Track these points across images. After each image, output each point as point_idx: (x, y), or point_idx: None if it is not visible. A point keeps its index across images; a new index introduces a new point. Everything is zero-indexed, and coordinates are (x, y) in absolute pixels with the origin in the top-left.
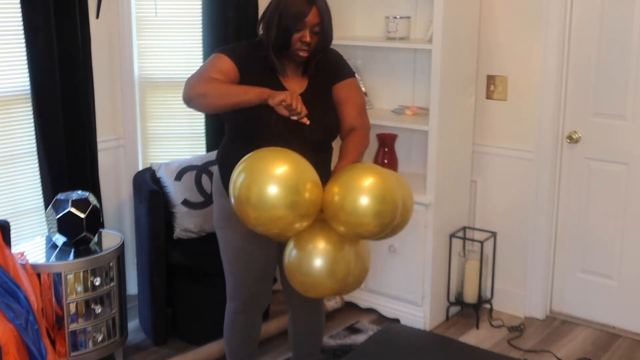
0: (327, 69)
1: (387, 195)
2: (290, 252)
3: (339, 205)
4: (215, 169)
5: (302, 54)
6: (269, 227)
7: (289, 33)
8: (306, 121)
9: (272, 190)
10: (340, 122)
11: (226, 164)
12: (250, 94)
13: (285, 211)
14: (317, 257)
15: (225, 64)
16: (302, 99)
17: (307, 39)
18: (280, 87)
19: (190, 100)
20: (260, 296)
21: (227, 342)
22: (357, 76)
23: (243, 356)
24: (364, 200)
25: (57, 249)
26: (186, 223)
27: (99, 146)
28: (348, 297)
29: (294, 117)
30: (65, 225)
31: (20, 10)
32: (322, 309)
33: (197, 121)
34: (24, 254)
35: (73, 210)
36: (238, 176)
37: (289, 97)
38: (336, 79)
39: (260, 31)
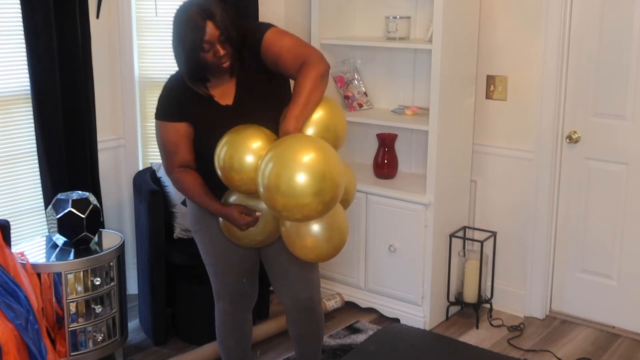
0: (244, 49)
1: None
2: None
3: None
4: None
5: (225, 65)
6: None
7: (197, 55)
8: (258, 214)
9: (301, 178)
10: (291, 74)
11: None
12: (211, 211)
13: (311, 198)
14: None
15: (173, 131)
16: (237, 104)
17: (221, 52)
18: (216, 105)
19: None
20: (246, 293)
21: (221, 343)
22: (274, 26)
23: (239, 355)
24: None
25: (57, 249)
26: (186, 223)
27: (99, 146)
28: (348, 297)
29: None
30: (66, 225)
31: (20, 10)
32: (317, 309)
33: None
34: (24, 254)
35: (73, 210)
36: (267, 165)
37: (241, 226)
38: (257, 50)
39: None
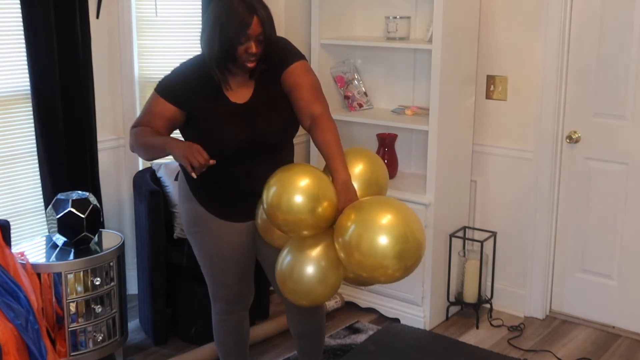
0: (272, 64)
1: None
2: (284, 259)
3: (355, 243)
4: (180, 174)
5: (250, 64)
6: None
7: (233, 47)
8: (212, 162)
9: (297, 199)
10: (297, 113)
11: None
12: (157, 149)
13: (307, 215)
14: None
15: (159, 107)
16: (250, 105)
17: (253, 50)
18: (226, 101)
19: (132, 150)
20: (243, 293)
21: (219, 344)
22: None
23: (237, 355)
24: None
25: (57, 249)
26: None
27: (99, 146)
28: (348, 297)
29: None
30: (66, 225)
31: (20, 10)
32: (318, 307)
33: None
34: (24, 254)
35: (73, 210)
36: (270, 187)
37: (183, 158)
38: (281, 69)
39: (201, 46)
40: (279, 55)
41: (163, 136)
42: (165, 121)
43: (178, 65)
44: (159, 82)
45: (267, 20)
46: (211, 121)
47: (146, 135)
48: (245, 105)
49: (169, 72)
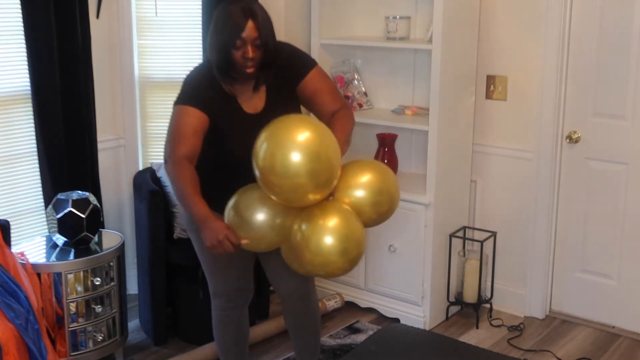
0: (283, 72)
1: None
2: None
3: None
4: None
5: (249, 70)
6: (288, 196)
7: (229, 51)
8: (245, 242)
9: (295, 157)
10: (319, 115)
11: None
12: (192, 213)
13: (306, 179)
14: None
15: (194, 118)
16: (263, 116)
17: (249, 54)
18: (240, 111)
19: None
20: (243, 290)
21: (219, 341)
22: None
23: (236, 352)
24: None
25: (58, 249)
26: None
27: (99, 146)
28: (348, 297)
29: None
30: (66, 225)
31: (20, 10)
32: (312, 298)
33: None
34: (24, 254)
35: (73, 210)
36: (261, 145)
37: (213, 244)
38: (297, 79)
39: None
40: (292, 66)
41: (203, 205)
42: (201, 134)
43: (187, 75)
44: (180, 96)
45: (264, 26)
46: (225, 130)
47: (187, 187)
48: (258, 116)
49: (182, 85)
